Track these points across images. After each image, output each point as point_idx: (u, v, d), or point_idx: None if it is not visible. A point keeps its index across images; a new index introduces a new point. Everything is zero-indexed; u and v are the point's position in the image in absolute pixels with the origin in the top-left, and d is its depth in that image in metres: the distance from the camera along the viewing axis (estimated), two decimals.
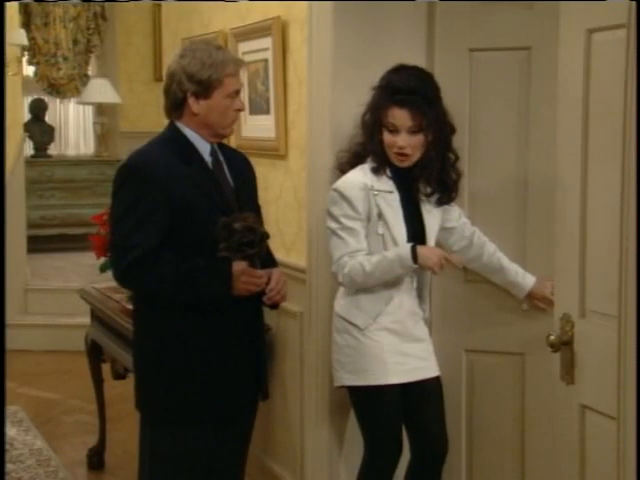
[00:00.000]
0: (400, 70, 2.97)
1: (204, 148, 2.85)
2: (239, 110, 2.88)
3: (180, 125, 2.84)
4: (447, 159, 3.01)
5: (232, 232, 2.66)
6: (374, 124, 2.96)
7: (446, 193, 3.04)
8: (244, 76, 3.85)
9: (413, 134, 2.90)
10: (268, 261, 2.91)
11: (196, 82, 2.77)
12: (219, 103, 2.80)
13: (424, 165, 2.97)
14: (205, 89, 2.78)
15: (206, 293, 2.75)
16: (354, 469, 3.17)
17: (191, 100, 2.79)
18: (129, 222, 2.72)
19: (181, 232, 2.73)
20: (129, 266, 2.73)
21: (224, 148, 2.98)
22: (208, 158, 2.85)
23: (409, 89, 2.89)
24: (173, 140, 2.84)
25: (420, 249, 2.90)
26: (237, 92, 2.84)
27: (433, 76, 3.01)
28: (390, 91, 2.92)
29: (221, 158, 2.90)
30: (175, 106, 2.84)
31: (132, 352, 3.06)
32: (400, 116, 2.90)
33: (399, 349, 2.99)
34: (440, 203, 3.05)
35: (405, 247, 2.90)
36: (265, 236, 2.75)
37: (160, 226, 2.71)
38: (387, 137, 2.94)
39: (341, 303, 3.08)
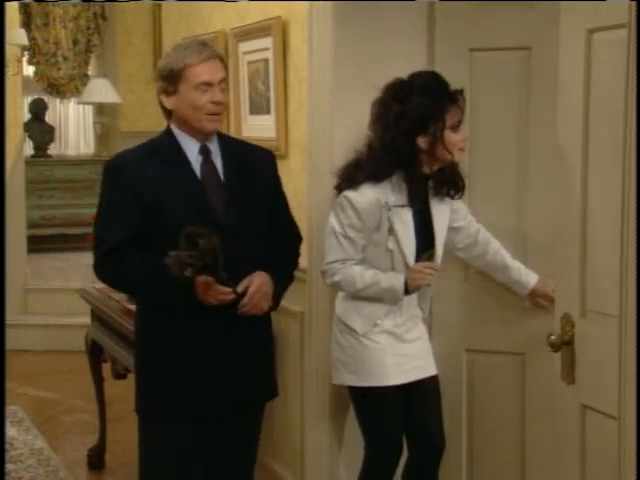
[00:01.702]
0: (431, 74, 2.97)
1: (192, 147, 2.79)
2: (216, 103, 2.72)
3: (172, 126, 2.83)
4: (452, 170, 3.02)
5: (190, 245, 2.55)
6: (436, 130, 2.86)
7: (455, 184, 3.02)
8: (244, 74, 3.86)
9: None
10: (275, 264, 2.85)
11: (162, 79, 2.76)
12: (186, 96, 2.71)
13: (436, 173, 2.99)
14: (170, 84, 2.73)
15: (168, 294, 2.72)
16: (354, 469, 3.17)
17: (163, 97, 2.77)
18: (102, 219, 2.81)
19: (153, 230, 2.73)
20: (98, 261, 2.81)
21: (233, 144, 2.92)
22: (196, 157, 2.79)
23: (452, 88, 2.90)
24: (158, 141, 2.84)
25: (408, 279, 2.92)
26: (207, 84, 2.71)
27: None
28: (444, 94, 2.88)
29: (215, 156, 2.82)
30: (162, 110, 2.83)
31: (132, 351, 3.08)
32: (459, 112, 2.90)
33: (398, 350, 3.00)
34: (451, 196, 3.03)
35: (399, 279, 2.91)
36: (216, 266, 2.59)
37: (128, 223, 2.72)
38: (453, 136, 2.89)
39: (341, 305, 3.09)
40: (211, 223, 2.68)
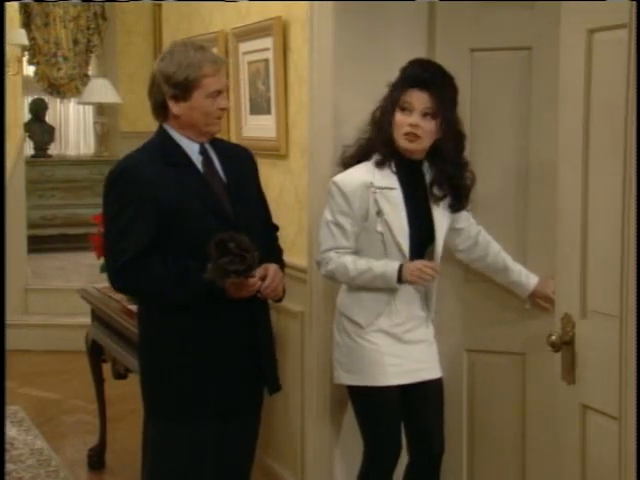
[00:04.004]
0: (426, 62, 2.98)
1: (192, 148, 2.84)
2: (223, 109, 2.85)
3: (167, 127, 2.85)
4: (459, 163, 2.99)
5: (224, 252, 2.61)
6: (388, 108, 2.90)
7: (458, 199, 3.01)
8: (244, 74, 3.86)
9: (426, 117, 2.88)
10: (273, 257, 2.91)
11: (173, 85, 2.76)
12: (199, 104, 2.78)
13: (433, 160, 2.96)
14: (183, 91, 2.76)
15: (197, 295, 2.75)
16: (354, 469, 3.16)
17: (171, 103, 2.79)
18: (118, 226, 2.75)
19: (170, 233, 2.74)
20: (120, 270, 2.76)
21: (219, 144, 2.96)
22: (197, 157, 2.84)
23: (431, 74, 2.89)
24: (160, 143, 2.86)
25: (406, 267, 2.89)
26: (219, 92, 2.80)
27: (454, 78, 2.97)
28: (413, 76, 2.90)
29: (212, 155, 2.88)
30: (158, 108, 2.85)
31: (137, 351, 3.07)
32: (418, 97, 2.87)
33: (396, 351, 2.98)
34: (452, 209, 3.02)
35: (393, 266, 2.89)
36: (256, 261, 2.70)
37: (149, 228, 2.72)
38: (399, 117, 2.89)
39: (343, 299, 3.08)
40: (226, 223, 2.76)
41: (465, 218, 3.15)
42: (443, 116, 2.88)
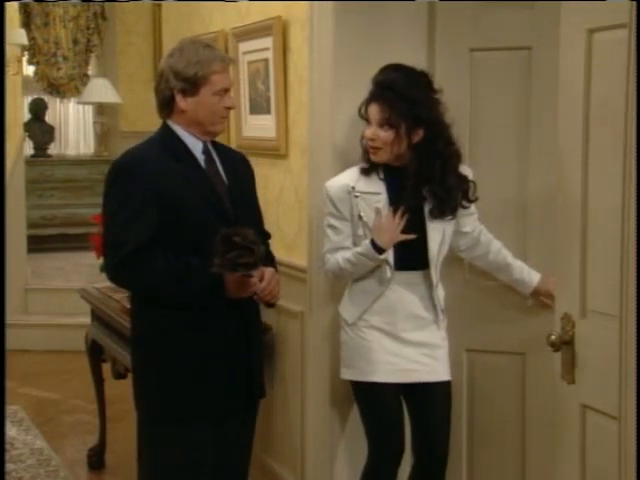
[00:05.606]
0: (387, 68, 2.98)
1: (196, 146, 2.86)
2: (229, 108, 2.88)
3: (172, 124, 2.86)
4: (436, 167, 2.93)
5: (230, 246, 2.61)
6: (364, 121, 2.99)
7: (438, 204, 2.96)
8: (244, 74, 3.86)
9: (383, 128, 2.91)
10: (266, 260, 2.91)
11: (182, 79, 2.79)
12: (206, 100, 2.80)
13: (408, 167, 2.94)
14: (192, 86, 2.79)
15: (199, 293, 2.76)
16: (355, 469, 3.17)
17: (178, 97, 2.81)
18: (120, 220, 2.75)
19: (172, 228, 2.74)
20: (120, 263, 2.76)
21: (220, 147, 2.98)
22: (200, 156, 2.86)
23: (384, 84, 2.92)
24: (164, 138, 2.87)
25: (374, 228, 2.90)
26: (226, 90, 2.84)
27: (425, 76, 2.97)
28: (371, 88, 2.96)
29: (214, 156, 2.90)
30: (164, 104, 2.86)
31: (130, 350, 3.07)
32: (372, 109, 2.94)
33: (390, 349, 2.99)
34: (432, 215, 2.97)
35: (369, 240, 2.91)
36: (262, 255, 2.70)
37: (150, 223, 2.72)
38: (365, 130, 2.97)
39: (342, 298, 3.12)
40: (227, 221, 2.76)
41: (471, 222, 3.14)
42: (398, 125, 2.89)
